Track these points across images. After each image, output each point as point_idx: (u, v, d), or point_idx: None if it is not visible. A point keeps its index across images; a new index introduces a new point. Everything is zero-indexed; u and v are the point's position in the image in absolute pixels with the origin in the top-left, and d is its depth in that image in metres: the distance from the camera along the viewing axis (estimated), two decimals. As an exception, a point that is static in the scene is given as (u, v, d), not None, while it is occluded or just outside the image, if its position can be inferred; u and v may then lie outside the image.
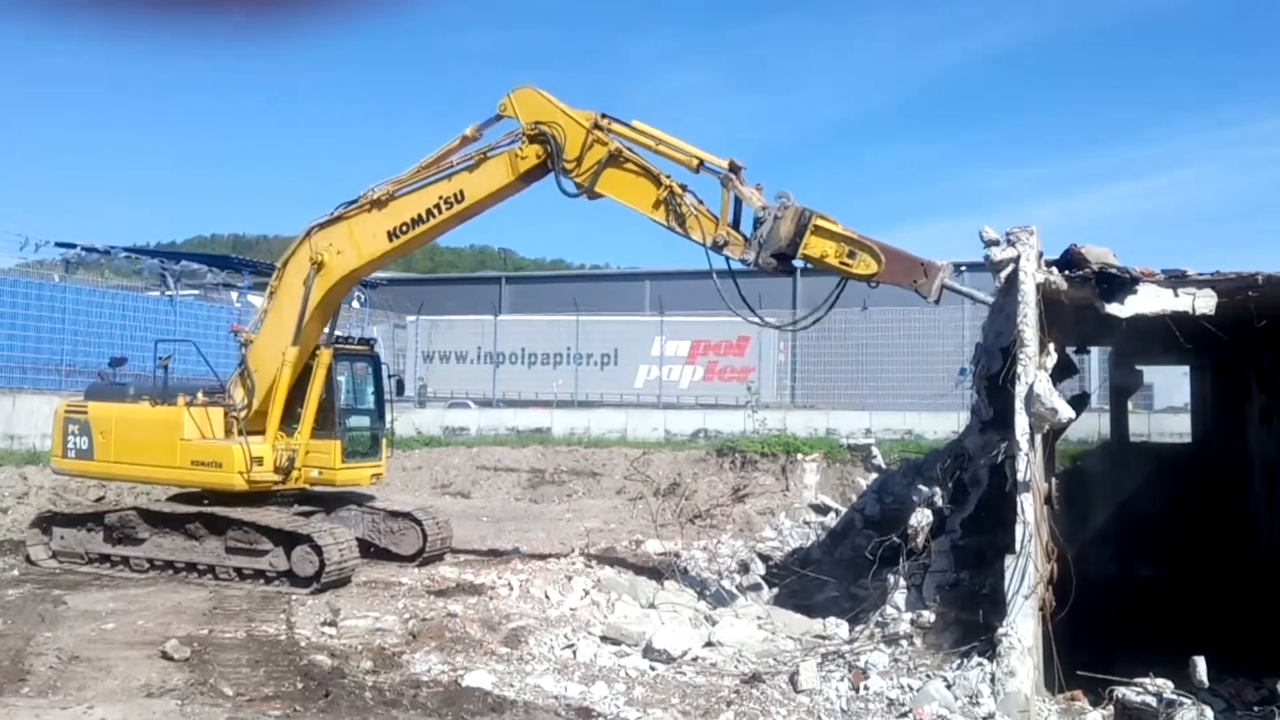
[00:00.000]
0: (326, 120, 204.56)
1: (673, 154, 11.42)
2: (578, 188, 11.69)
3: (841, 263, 10.72)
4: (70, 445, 13.87)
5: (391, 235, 12.53)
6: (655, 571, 13.15)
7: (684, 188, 11.39)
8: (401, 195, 12.45)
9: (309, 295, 12.87)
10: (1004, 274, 9.80)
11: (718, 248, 11.22)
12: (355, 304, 31.62)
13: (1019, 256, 9.62)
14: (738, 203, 11.24)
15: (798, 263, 11.16)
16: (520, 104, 11.90)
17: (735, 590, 13.19)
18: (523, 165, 11.84)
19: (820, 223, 10.76)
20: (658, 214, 11.41)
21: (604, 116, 11.66)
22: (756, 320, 12.45)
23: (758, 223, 11.02)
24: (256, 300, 34.49)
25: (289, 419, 13.34)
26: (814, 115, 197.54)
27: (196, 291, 34.32)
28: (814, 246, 10.78)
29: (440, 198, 12.25)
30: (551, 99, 11.87)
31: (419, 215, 12.38)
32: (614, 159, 11.54)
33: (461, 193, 12.16)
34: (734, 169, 11.13)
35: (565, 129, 11.66)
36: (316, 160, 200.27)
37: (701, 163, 11.25)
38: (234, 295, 35.58)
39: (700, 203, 11.34)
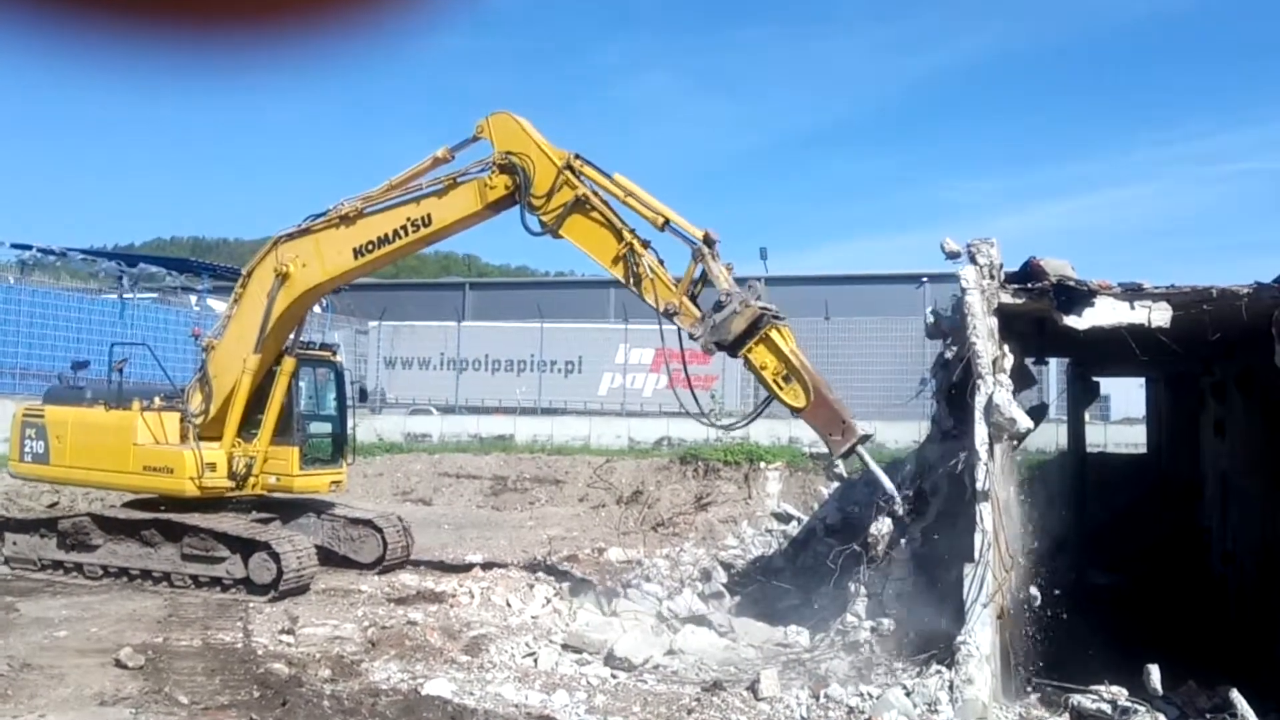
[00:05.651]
0: (289, 122, 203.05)
1: (640, 209, 11.24)
2: (542, 226, 11.54)
3: (775, 382, 10.71)
4: (27, 449, 13.67)
5: (357, 253, 12.36)
6: (618, 580, 13.13)
7: (647, 244, 11.25)
8: (370, 213, 12.24)
9: (272, 306, 12.71)
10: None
11: (669, 315, 11.13)
12: (317, 308, 31.22)
13: (962, 275, 9.78)
14: (704, 273, 11.08)
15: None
16: (496, 129, 11.70)
17: (697, 598, 13.18)
18: (491, 195, 11.69)
19: (773, 334, 10.66)
20: (616, 269, 11.34)
21: (578, 158, 11.46)
22: (703, 420, 12.80)
23: (719, 305, 10.85)
24: (216, 304, 34.20)
25: (248, 425, 13.20)
26: (777, 124, 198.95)
27: (154, 294, 33.83)
28: (757, 355, 10.74)
29: (408, 219, 12.09)
30: (529, 129, 11.64)
31: (386, 235, 12.20)
32: (580, 204, 11.36)
33: (429, 216, 12.01)
34: (708, 241, 10.94)
35: (536, 163, 11.48)
36: (278, 163, 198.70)
37: (667, 222, 11.06)
38: (193, 299, 35.13)
39: (661, 263, 11.23)
